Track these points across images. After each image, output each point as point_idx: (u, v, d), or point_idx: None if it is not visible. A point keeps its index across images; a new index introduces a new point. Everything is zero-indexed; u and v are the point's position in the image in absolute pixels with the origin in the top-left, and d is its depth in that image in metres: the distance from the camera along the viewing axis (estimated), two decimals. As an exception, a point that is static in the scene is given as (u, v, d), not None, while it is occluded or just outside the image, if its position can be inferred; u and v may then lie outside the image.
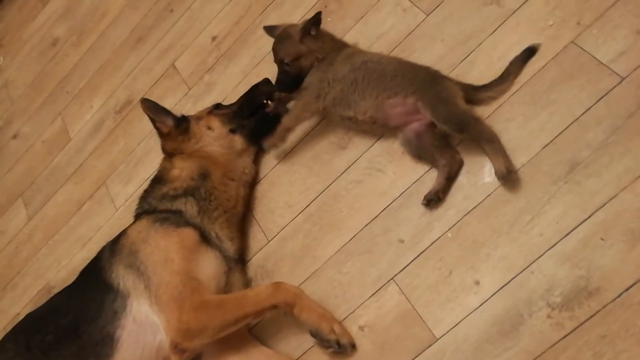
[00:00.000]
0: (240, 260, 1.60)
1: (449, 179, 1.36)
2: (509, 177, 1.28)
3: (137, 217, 1.60)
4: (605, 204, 1.20)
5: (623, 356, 1.09)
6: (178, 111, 2.03)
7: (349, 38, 1.73)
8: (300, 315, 1.36)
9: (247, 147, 1.69)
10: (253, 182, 1.71)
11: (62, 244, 2.12)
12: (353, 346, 1.35)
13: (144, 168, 2.04)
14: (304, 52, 1.51)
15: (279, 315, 1.40)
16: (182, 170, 1.60)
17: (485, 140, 1.30)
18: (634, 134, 1.21)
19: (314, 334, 1.36)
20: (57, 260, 2.09)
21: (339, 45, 1.56)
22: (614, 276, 1.15)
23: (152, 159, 2.02)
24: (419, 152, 1.42)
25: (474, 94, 1.40)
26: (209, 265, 1.45)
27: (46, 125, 2.48)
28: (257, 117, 1.70)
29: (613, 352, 1.11)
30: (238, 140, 1.68)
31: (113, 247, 1.51)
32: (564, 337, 1.16)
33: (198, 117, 1.72)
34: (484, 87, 1.40)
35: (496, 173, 1.29)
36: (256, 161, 1.73)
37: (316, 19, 1.48)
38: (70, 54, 2.58)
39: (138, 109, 2.18)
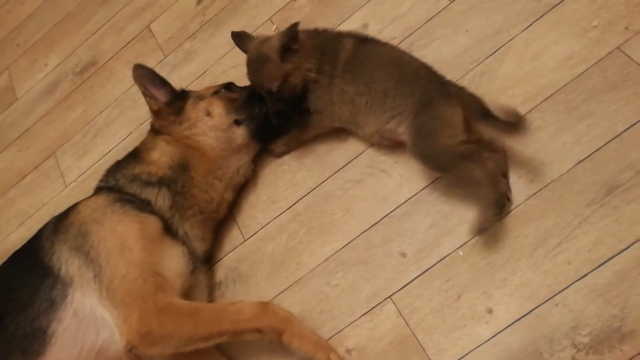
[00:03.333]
0: (206, 260, 1.38)
1: (506, 174, 1.18)
2: (478, 234, 1.15)
3: (97, 191, 1.36)
4: (646, 234, 1.05)
5: (657, 412, 0.95)
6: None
7: (358, 18, 1.53)
8: (291, 344, 1.16)
9: (248, 144, 1.40)
10: (244, 185, 1.45)
11: (-4, 219, 1.82)
12: None
13: (103, 141, 1.77)
14: (290, 70, 1.26)
15: (262, 341, 1.19)
16: (162, 156, 1.35)
17: (473, 183, 1.15)
18: (684, 158, 1.07)
19: None
20: (-12, 237, 1.80)
21: (331, 46, 1.29)
22: (652, 319, 1.00)
23: (114, 132, 1.76)
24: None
25: (480, 119, 1.14)
26: (174, 261, 1.24)
27: (-11, 80, 2.15)
28: (265, 109, 1.38)
29: (645, 406, 0.96)
30: (241, 135, 1.39)
31: (58, 224, 1.28)
32: (590, 383, 1.01)
33: (199, 97, 1.43)
34: (495, 121, 1.10)
35: (472, 224, 1.14)
36: (255, 160, 1.46)
37: (292, 33, 1.23)
38: (25, 1, 2.25)
39: (102, 72, 1.91)
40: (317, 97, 1.30)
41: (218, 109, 1.39)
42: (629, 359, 0.99)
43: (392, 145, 1.30)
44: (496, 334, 1.10)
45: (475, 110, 1.15)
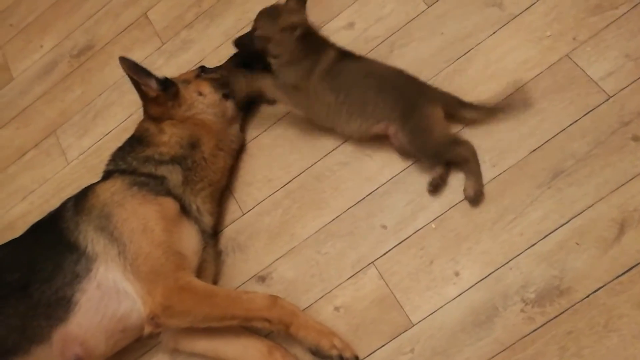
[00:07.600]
0: (213, 235, 1.54)
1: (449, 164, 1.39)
2: (474, 200, 1.35)
3: (108, 174, 1.47)
4: (582, 211, 1.29)
5: (585, 351, 1.19)
6: (148, 66, 1.90)
7: (346, 17, 1.70)
8: (298, 334, 1.28)
9: (236, 114, 1.62)
10: (240, 151, 1.64)
11: (-2, 193, 1.92)
12: (356, 359, 1.30)
13: (103, 122, 1.89)
14: (276, 40, 1.42)
15: (270, 332, 1.34)
16: (172, 137, 1.49)
17: (461, 162, 1.37)
18: (614, 149, 1.31)
19: (314, 352, 1.28)
20: (-9, 210, 1.89)
21: (318, 48, 1.44)
22: (584, 278, 1.24)
23: (114, 113, 1.88)
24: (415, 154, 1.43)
25: (459, 109, 1.39)
26: (191, 240, 1.38)
27: (-18, 59, 2.20)
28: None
29: (577, 347, 1.20)
30: (230, 107, 1.60)
31: (79, 206, 1.39)
32: (534, 330, 1.24)
33: (185, 81, 1.59)
34: (471, 106, 1.39)
35: (464, 192, 1.36)
36: (243, 128, 1.66)
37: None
38: (17, -17, 2.30)
39: (100, 56, 2.01)
40: (291, 76, 1.42)
41: (207, 88, 1.57)
42: (565, 309, 1.23)
43: (369, 139, 1.47)
44: (462, 293, 1.31)
45: (450, 103, 1.38)
